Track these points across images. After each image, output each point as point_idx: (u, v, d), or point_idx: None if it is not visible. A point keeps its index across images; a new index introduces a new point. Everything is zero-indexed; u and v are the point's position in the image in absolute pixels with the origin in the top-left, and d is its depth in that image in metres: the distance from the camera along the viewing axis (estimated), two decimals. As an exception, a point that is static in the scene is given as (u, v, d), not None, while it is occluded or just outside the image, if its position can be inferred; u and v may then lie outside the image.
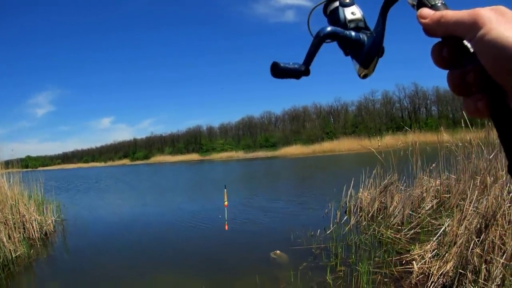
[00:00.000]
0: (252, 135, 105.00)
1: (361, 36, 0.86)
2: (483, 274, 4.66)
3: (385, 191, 10.09)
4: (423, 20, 0.66)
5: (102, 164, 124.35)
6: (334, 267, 6.80)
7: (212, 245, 9.61)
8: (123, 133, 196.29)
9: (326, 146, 73.92)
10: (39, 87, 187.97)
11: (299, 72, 0.86)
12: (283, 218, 12.02)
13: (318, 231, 9.10)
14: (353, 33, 0.87)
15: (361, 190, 11.07)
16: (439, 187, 10.00)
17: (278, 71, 0.84)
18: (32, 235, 11.02)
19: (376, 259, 6.83)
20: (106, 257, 9.31)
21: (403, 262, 6.41)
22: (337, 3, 0.92)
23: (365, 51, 0.85)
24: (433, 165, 10.22)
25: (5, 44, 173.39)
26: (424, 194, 9.77)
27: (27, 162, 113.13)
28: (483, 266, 4.71)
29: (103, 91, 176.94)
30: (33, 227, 11.15)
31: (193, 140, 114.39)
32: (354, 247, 7.87)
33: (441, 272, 5.21)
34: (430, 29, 0.66)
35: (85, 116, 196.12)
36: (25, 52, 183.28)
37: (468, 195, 6.21)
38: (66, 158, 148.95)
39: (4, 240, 8.96)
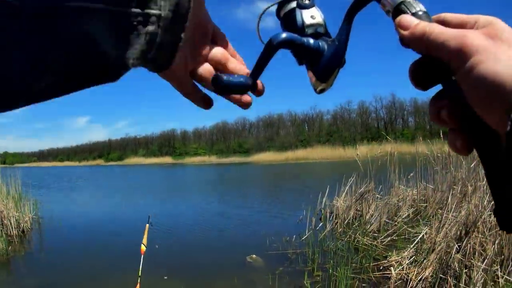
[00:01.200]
0: (225, 140, 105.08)
1: (320, 44, 0.74)
2: (463, 279, 4.70)
3: (361, 199, 10.12)
4: (402, 32, 0.57)
5: (77, 163, 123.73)
6: (311, 272, 6.81)
7: (188, 248, 9.57)
8: (99, 133, 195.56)
9: (300, 153, 74.08)
10: None
11: (246, 87, 0.73)
12: (257, 224, 11.99)
13: (294, 237, 9.05)
14: (311, 41, 0.74)
15: (336, 197, 11.08)
16: (416, 197, 10.08)
17: (221, 87, 0.72)
18: (10, 232, 10.87)
19: (354, 264, 6.81)
20: (81, 255, 9.24)
21: (381, 268, 6.44)
22: (293, 4, 0.77)
23: (324, 61, 0.73)
24: (411, 174, 10.31)
25: None
26: (401, 203, 9.84)
27: (5, 158, 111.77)
28: (464, 271, 4.75)
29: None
30: (11, 223, 11.02)
31: (167, 143, 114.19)
32: (330, 253, 7.87)
33: (420, 277, 5.25)
34: (409, 43, 0.58)
35: (62, 114, 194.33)
36: None
37: (448, 204, 6.28)
38: (42, 156, 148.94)
39: None
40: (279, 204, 15.59)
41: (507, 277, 4.92)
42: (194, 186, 29.62)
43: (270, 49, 0.71)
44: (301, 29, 0.74)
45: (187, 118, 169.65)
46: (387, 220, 9.14)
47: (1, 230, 10.27)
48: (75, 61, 0.50)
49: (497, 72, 0.44)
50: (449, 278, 4.81)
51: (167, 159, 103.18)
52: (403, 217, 9.28)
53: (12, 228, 10.97)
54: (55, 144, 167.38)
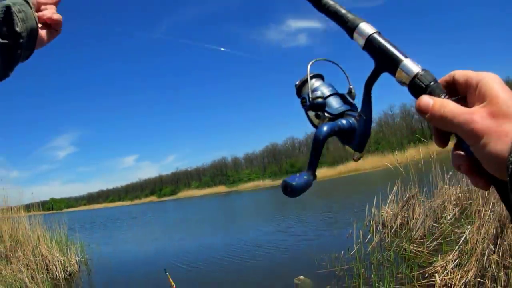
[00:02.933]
0: (277, 162, 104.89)
1: (351, 122, 0.83)
2: (502, 280, 4.47)
3: (407, 205, 9.89)
4: (425, 116, 0.68)
5: (129, 202, 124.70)
6: None
7: (236, 274, 9.59)
8: (148, 170, 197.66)
9: (351, 166, 73.17)
10: (59, 130, 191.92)
11: (311, 183, 0.83)
12: (307, 242, 11.91)
13: (342, 252, 8.90)
14: (344, 122, 0.83)
15: (383, 206, 10.88)
16: (460, 195, 9.77)
17: (294, 191, 0.81)
18: (56, 276, 11.00)
19: (399, 275, 6.66)
20: None
21: (426, 276, 6.20)
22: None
23: (358, 136, 0.83)
24: (450, 173, 10.03)
25: (21, 91, 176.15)
26: (446, 203, 9.53)
27: (51, 204, 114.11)
28: (501, 273, 4.52)
29: (125, 130, 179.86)
30: (56, 267, 11.14)
31: (219, 172, 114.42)
32: (376, 266, 7.71)
33: (462, 281, 5.01)
34: (430, 121, 0.68)
35: (108, 156, 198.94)
36: (42, 96, 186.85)
37: (488, 199, 6.04)
38: (91, 198, 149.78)
39: (27, 281, 9.04)
40: (330, 220, 15.35)
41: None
42: (247, 212, 29.74)
43: (319, 145, 0.83)
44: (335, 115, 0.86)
45: (236, 144, 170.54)
46: (433, 224, 8.86)
47: (46, 275, 10.39)
48: None
49: (498, 151, 0.57)
50: (487, 281, 4.59)
51: (221, 188, 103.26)
52: (449, 218, 8.97)
53: (58, 272, 11.07)
54: (104, 186, 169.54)
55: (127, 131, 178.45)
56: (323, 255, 9.22)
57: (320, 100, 0.86)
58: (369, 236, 9.84)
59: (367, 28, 0.77)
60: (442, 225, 8.57)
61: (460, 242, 6.09)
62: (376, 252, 8.52)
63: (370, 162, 65.98)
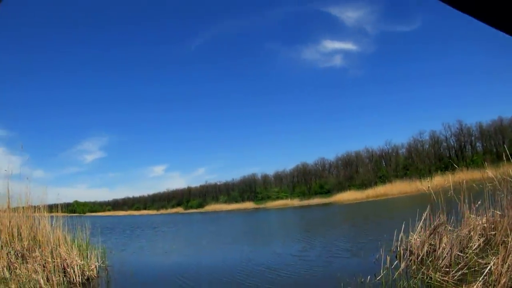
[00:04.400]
0: (306, 182, 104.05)
1: None
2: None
3: (434, 232, 9.94)
4: None
5: (155, 212, 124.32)
6: None
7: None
8: (177, 181, 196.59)
9: (379, 190, 72.44)
10: (88, 134, 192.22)
11: None
12: (335, 265, 11.88)
13: (368, 277, 8.96)
14: None
15: (411, 233, 10.91)
16: (485, 225, 9.77)
17: None
18: (73, 280, 11.04)
19: None
20: None
21: (450, 306, 6.26)
22: None
23: None
24: (478, 202, 10.03)
25: (55, 89, 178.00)
26: (472, 233, 9.53)
27: (75, 207, 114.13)
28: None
29: (156, 139, 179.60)
30: (74, 271, 11.18)
31: (248, 189, 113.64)
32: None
33: None
34: None
35: (137, 164, 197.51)
36: (73, 98, 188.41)
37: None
38: (116, 205, 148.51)
39: (42, 282, 9.11)
40: (357, 244, 15.29)
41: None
42: (274, 230, 29.63)
43: None
44: None
45: (267, 162, 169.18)
46: (458, 253, 8.87)
47: (63, 278, 10.38)
48: None
49: None
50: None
51: (249, 204, 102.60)
52: (474, 248, 8.98)
53: (75, 275, 11.08)
54: (130, 194, 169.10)
55: (159, 140, 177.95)
56: (349, 278, 9.26)
57: None
58: (395, 262, 9.87)
59: None
60: (468, 254, 8.61)
61: (485, 273, 6.16)
62: (403, 279, 8.57)
63: (398, 187, 65.46)
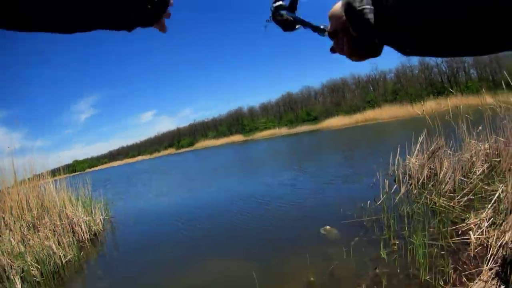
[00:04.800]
0: (293, 110, 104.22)
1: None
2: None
3: (433, 156, 9.87)
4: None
5: (149, 156, 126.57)
6: (387, 241, 6.69)
7: (260, 225, 9.59)
8: (166, 124, 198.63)
9: (369, 114, 72.17)
10: (79, 95, 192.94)
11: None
12: (331, 191, 11.91)
13: (368, 202, 8.94)
14: None
15: (408, 157, 10.89)
16: (488, 151, 9.69)
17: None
18: (82, 237, 11.22)
19: (431, 230, 6.66)
20: (155, 248, 9.51)
21: (459, 233, 6.22)
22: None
23: None
24: (479, 128, 9.90)
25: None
26: (474, 158, 9.46)
27: (75, 167, 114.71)
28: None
29: (142, 86, 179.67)
30: (82, 229, 11.35)
31: (235, 122, 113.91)
32: (406, 218, 7.73)
33: (499, 243, 5.03)
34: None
35: (127, 114, 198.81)
36: (60, 63, 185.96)
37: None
38: (112, 156, 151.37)
39: (54, 247, 9.16)
40: (351, 169, 15.40)
41: None
42: (264, 161, 29.94)
43: None
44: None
45: (251, 95, 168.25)
46: (461, 178, 8.88)
47: (72, 238, 10.51)
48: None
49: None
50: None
51: (238, 137, 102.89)
52: (478, 173, 8.96)
53: (83, 233, 11.30)
54: (124, 143, 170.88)
55: (144, 87, 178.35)
56: (348, 204, 9.29)
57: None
58: (395, 187, 9.85)
59: None
60: (472, 180, 8.58)
61: (493, 200, 6.12)
62: (405, 204, 8.52)
63: (388, 112, 65.43)
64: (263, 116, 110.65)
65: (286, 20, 1.28)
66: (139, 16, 1.13)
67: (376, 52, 1.11)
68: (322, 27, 1.20)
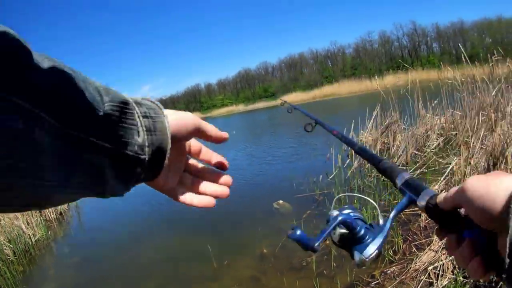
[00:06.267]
0: (250, 87, 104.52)
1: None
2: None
3: (387, 131, 9.83)
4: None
5: None
6: None
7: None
8: None
9: (327, 90, 73.00)
10: None
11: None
12: (284, 167, 11.90)
13: (321, 176, 8.90)
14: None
15: (361, 131, 10.84)
16: (444, 125, 9.71)
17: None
18: (49, 217, 11.19)
19: (382, 202, 6.66)
20: (118, 225, 9.63)
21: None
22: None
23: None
24: (435, 102, 9.94)
25: None
26: (429, 132, 9.46)
27: None
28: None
29: (101, 66, 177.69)
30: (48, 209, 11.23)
31: (193, 100, 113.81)
32: (357, 191, 7.72)
33: None
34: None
35: None
36: None
37: (476, 131, 5.96)
38: None
39: (23, 226, 9.19)
40: (306, 144, 15.25)
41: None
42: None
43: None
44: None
45: (209, 71, 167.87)
46: (415, 152, 8.84)
47: (40, 217, 10.48)
48: (87, 180, 0.62)
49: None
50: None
51: (196, 114, 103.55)
52: (432, 147, 8.96)
53: (50, 212, 11.25)
54: None
55: (103, 62, 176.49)
56: (300, 179, 9.29)
57: None
58: (347, 161, 9.89)
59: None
60: (426, 154, 8.58)
61: (447, 173, 6.05)
62: (356, 177, 8.54)
63: (346, 87, 66.14)
64: (220, 92, 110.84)
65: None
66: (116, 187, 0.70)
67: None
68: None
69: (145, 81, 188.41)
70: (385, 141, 9.85)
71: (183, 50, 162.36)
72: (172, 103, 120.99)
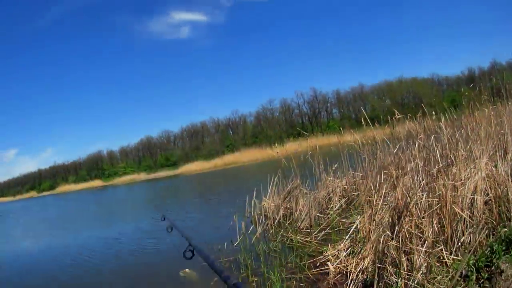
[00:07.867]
0: (152, 155, 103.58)
1: None
2: (405, 265, 4.50)
3: (289, 196, 9.93)
4: None
5: (12, 198, 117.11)
6: (246, 279, 6.50)
7: (120, 269, 9.24)
8: (28, 165, 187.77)
9: (228, 158, 73.73)
10: None
11: None
12: (187, 235, 11.49)
13: (225, 244, 8.78)
14: None
15: (264, 198, 10.86)
16: (346, 186, 9.97)
17: None
18: None
19: (289, 265, 6.64)
20: None
21: (318, 265, 6.21)
22: None
23: None
24: (335, 165, 10.22)
25: None
26: (331, 195, 9.71)
27: None
28: (403, 258, 4.55)
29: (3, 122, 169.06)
30: None
31: (95, 166, 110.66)
32: (263, 256, 7.62)
33: (359, 268, 5.06)
34: None
35: None
36: None
37: (378, 190, 6.11)
38: None
39: None
40: (208, 212, 15.18)
41: (454, 256, 4.79)
42: (122, 208, 29.11)
43: None
44: None
45: (112, 137, 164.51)
46: (318, 215, 9.00)
47: None
48: None
49: None
50: (387, 266, 4.60)
51: (97, 182, 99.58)
52: (335, 208, 9.18)
53: None
54: None
55: (5, 123, 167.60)
56: (206, 247, 8.98)
57: None
58: (251, 227, 9.83)
59: None
60: (329, 215, 8.72)
61: (351, 231, 6.13)
62: (262, 243, 8.46)
63: (247, 155, 67.04)
64: (122, 160, 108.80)
65: None
66: None
67: None
68: None
69: (49, 143, 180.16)
70: (288, 206, 9.94)
71: (86, 114, 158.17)
72: (74, 169, 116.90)
